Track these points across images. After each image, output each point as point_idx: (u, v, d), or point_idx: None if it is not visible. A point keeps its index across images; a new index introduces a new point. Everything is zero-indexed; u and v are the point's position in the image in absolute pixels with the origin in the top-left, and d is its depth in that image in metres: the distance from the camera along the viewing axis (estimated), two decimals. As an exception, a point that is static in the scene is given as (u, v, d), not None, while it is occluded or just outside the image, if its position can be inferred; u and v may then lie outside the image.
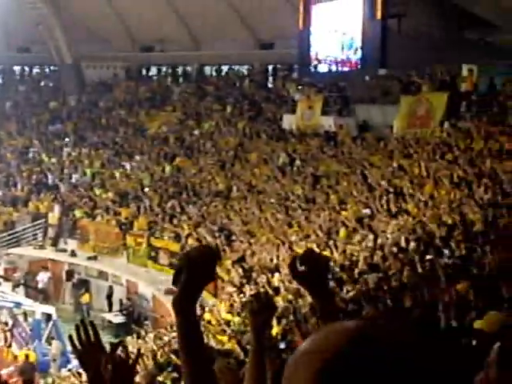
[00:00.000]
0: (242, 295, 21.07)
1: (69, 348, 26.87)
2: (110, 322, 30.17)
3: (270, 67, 43.99)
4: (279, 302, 17.27)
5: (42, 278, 33.94)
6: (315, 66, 35.65)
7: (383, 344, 1.47)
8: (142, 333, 25.26)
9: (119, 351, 3.01)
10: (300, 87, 36.90)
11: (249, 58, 43.80)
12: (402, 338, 1.50)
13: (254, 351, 3.32)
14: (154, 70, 49.60)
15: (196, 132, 39.32)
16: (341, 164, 29.42)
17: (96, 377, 2.94)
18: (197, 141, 38.31)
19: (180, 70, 47.97)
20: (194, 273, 2.37)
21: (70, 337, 3.11)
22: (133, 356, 3.05)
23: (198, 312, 20.30)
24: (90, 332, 3.01)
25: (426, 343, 1.54)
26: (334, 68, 35.16)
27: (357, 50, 33.45)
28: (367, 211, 23.49)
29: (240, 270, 23.85)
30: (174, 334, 20.01)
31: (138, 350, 3.40)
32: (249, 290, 20.66)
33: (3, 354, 27.10)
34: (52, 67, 51.06)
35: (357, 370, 1.43)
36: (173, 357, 15.91)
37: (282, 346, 12.18)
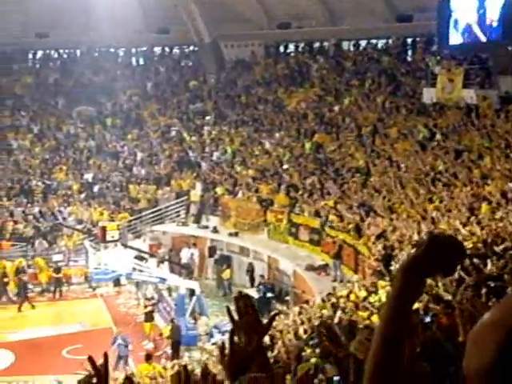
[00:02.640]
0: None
1: (213, 322, 27.55)
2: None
3: (409, 40, 43.23)
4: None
5: (186, 254, 34.72)
6: (455, 38, 34.79)
7: None
8: (284, 308, 25.56)
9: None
10: (440, 60, 36.11)
11: (387, 32, 43.16)
12: None
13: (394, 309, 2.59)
14: (291, 47, 49.61)
15: (335, 108, 39.12)
16: (483, 137, 28.68)
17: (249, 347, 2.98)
18: (336, 117, 38.15)
19: (317, 45, 47.77)
20: (435, 252, 2.00)
21: (228, 308, 3.18)
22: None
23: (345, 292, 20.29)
24: (248, 304, 3.06)
25: None
26: (474, 39, 34.20)
27: (499, 19, 32.41)
28: (511, 185, 22.87)
29: (380, 247, 23.71)
30: (315, 310, 20.14)
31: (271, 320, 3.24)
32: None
33: (146, 328, 27.92)
34: (191, 47, 51.90)
35: None
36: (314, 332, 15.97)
37: (428, 319, 11.88)
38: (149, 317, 27.95)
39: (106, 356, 3.22)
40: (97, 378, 3.11)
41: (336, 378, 9.61)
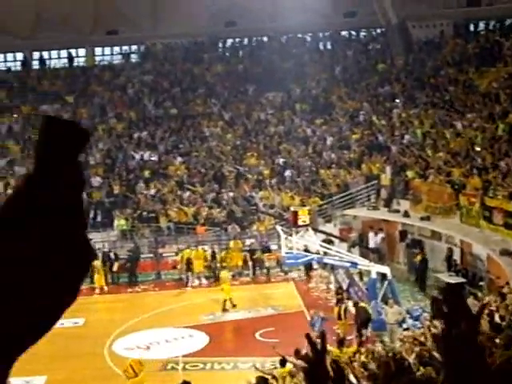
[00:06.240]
0: None
1: (405, 307, 27.26)
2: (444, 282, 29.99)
3: None
4: None
5: (376, 238, 34.55)
6: None
7: None
8: (479, 294, 24.92)
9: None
10: None
11: None
12: None
13: None
14: (481, 25, 48.22)
15: (529, 87, 37.72)
16: None
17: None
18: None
19: (509, 22, 46.15)
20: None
21: (435, 299, 3.13)
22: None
23: None
24: (458, 295, 2.98)
25: None
26: None
27: None
28: None
29: None
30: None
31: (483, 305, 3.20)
32: None
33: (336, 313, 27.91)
34: (379, 29, 51.46)
35: None
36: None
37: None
38: (340, 302, 27.98)
39: (323, 335, 3.23)
40: (314, 355, 3.11)
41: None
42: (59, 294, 1.30)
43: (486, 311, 18.64)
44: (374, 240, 34.50)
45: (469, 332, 2.73)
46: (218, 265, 34.04)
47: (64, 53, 52.59)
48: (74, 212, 1.34)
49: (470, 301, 21.85)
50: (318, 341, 3.06)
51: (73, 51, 52.52)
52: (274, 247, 34.75)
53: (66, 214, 1.32)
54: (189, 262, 33.51)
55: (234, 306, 29.80)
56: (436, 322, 17.43)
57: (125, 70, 51.07)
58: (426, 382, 7.84)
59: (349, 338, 25.06)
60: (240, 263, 34.28)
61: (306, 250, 30.21)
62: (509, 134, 34.49)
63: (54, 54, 52.55)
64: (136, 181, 41.16)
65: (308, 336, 3.22)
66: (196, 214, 38.03)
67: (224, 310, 29.63)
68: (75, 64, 52.54)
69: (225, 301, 29.71)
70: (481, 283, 29.26)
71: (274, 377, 17.79)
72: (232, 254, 34.46)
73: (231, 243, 35.05)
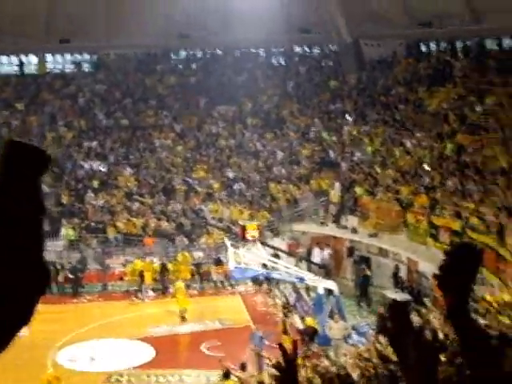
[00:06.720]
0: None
1: (351, 323, 27.41)
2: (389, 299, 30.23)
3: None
4: None
5: (323, 254, 34.72)
6: None
7: None
8: (423, 311, 25.13)
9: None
10: None
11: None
12: None
13: None
14: (433, 46, 48.87)
15: (477, 108, 38.24)
16: None
17: (404, 355, 2.96)
18: (478, 117, 37.27)
19: (460, 44, 46.85)
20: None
21: (381, 315, 3.16)
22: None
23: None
24: (403, 312, 3.02)
25: None
26: None
27: None
28: None
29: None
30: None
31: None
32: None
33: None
34: (332, 47, 51.83)
35: None
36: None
37: None
38: (286, 316, 28.02)
39: (295, 343, 3.28)
40: (285, 362, 3.14)
41: None
42: (11, 316, 1.29)
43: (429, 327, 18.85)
44: (320, 256, 34.64)
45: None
46: (170, 276, 33.90)
47: (15, 59, 52.04)
48: (31, 233, 1.33)
49: (414, 318, 22.06)
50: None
51: (24, 58, 51.98)
52: (223, 260, 34.73)
53: (23, 235, 1.31)
54: (141, 274, 33.42)
55: (184, 318, 29.71)
56: (381, 338, 17.56)
57: (76, 79, 50.69)
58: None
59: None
60: (188, 276, 34.18)
61: (253, 264, 30.23)
62: (457, 154, 34.94)
63: (4, 59, 51.95)
64: (85, 191, 40.83)
65: (280, 345, 3.25)
66: (144, 225, 37.85)
67: (183, 319, 29.54)
68: (26, 71, 52.00)
69: (181, 311, 29.61)
70: (425, 300, 29.56)
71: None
72: (180, 266, 34.36)
73: (179, 256, 34.94)
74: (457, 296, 2.57)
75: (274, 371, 19.35)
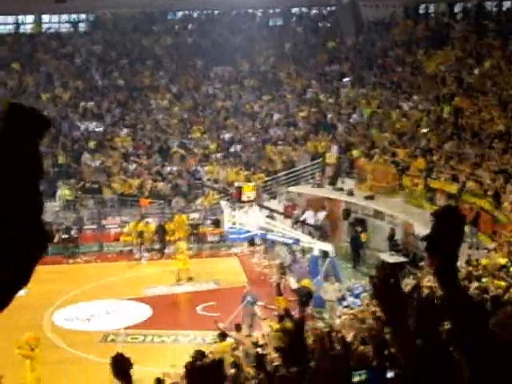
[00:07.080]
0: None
1: (345, 285, 27.52)
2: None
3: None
4: None
5: (320, 215, 34.73)
6: None
7: None
8: (418, 274, 25.24)
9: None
10: None
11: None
12: None
13: None
14: (431, 8, 48.56)
15: (475, 71, 38.11)
16: None
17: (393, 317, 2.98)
18: (476, 80, 37.16)
19: (459, 6, 46.55)
20: None
21: (372, 277, 3.18)
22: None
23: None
24: (391, 274, 3.05)
25: None
26: None
27: None
28: None
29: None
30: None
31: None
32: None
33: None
34: (329, 8, 51.47)
35: None
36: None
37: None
38: (282, 278, 28.09)
39: (304, 306, 3.32)
40: (295, 327, 3.17)
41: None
42: (11, 277, 1.29)
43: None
44: (315, 218, 34.62)
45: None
46: (169, 237, 33.97)
47: (11, 18, 51.63)
48: (30, 195, 1.33)
49: (409, 281, 22.17)
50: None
51: (20, 17, 51.57)
52: (219, 221, 34.76)
53: (22, 198, 1.31)
54: (139, 235, 33.49)
55: (191, 278, 29.79)
56: (375, 301, 17.65)
57: (72, 39, 50.34)
58: (362, 359, 7.96)
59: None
60: (184, 237, 34.20)
61: (249, 226, 30.28)
62: (454, 117, 34.89)
63: (0, 19, 51.55)
64: (81, 151, 40.73)
65: (286, 309, 3.28)
66: (140, 186, 37.83)
67: (189, 279, 29.62)
68: (22, 30, 51.61)
69: (179, 271, 29.66)
70: (421, 263, 29.64)
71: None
72: (176, 227, 34.37)
73: (175, 217, 34.94)
74: (444, 258, 2.60)
75: (267, 331, 19.52)
